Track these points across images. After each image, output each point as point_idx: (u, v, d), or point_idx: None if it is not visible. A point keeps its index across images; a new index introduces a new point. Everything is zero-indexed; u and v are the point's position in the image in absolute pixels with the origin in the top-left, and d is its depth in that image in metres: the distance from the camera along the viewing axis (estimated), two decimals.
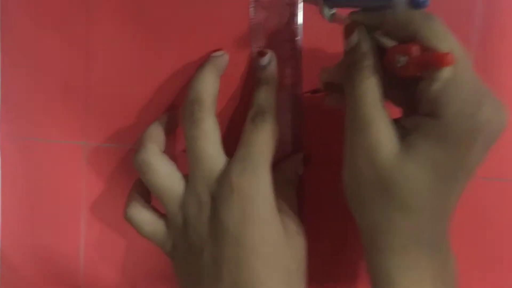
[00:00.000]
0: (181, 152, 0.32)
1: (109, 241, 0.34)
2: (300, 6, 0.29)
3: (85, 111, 0.33)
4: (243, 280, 0.25)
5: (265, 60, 0.29)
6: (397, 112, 0.26)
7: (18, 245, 0.35)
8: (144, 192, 0.29)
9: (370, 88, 0.23)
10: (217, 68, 0.29)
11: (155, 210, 0.29)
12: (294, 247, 0.27)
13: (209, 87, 0.27)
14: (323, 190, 0.31)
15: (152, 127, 0.29)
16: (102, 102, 0.32)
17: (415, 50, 0.22)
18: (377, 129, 0.23)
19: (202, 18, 0.30)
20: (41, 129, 0.33)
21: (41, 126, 0.33)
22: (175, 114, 0.31)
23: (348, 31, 0.25)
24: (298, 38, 0.30)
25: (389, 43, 0.24)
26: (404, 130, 0.24)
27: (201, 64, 0.29)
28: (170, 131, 0.31)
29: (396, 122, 0.24)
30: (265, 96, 0.28)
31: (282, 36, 0.30)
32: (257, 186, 0.25)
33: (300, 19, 0.29)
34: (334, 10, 0.26)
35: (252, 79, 0.30)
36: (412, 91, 0.24)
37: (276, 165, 0.28)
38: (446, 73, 0.22)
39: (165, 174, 0.27)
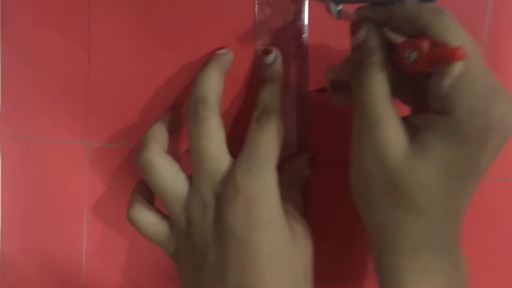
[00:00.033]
0: (184, 152, 0.32)
1: (112, 242, 0.34)
2: (306, 3, 0.29)
3: (87, 110, 0.33)
4: (248, 283, 0.24)
5: (270, 58, 0.28)
6: (404, 110, 0.25)
7: (18, 246, 0.35)
8: (147, 193, 0.29)
9: (379, 85, 0.23)
10: (222, 66, 0.28)
11: (158, 211, 0.29)
12: (301, 250, 0.26)
13: (213, 86, 0.27)
14: (329, 191, 0.31)
15: (155, 127, 0.29)
16: (104, 102, 0.32)
17: (425, 45, 0.22)
18: (386, 127, 0.23)
19: (206, 15, 0.30)
20: (42, 129, 0.34)
21: (42, 126, 0.34)
22: (178, 113, 0.31)
23: (355, 27, 0.25)
24: (304, 36, 0.29)
25: (397, 38, 0.24)
26: (413, 128, 0.23)
27: (205, 62, 0.29)
28: (174, 131, 0.31)
29: (405, 120, 0.24)
30: (270, 95, 0.28)
31: (288, 34, 0.30)
32: (262, 187, 0.25)
33: (306, 16, 0.29)
34: (340, 7, 0.26)
35: (257, 77, 0.30)
36: (421, 88, 0.24)
37: (281, 166, 0.28)
38: (457, 68, 0.21)
39: (169, 175, 0.27)
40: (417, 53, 0.22)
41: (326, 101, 0.28)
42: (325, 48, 0.30)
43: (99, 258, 0.34)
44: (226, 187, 0.25)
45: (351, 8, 0.25)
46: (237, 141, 0.27)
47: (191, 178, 0.27)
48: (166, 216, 0.28)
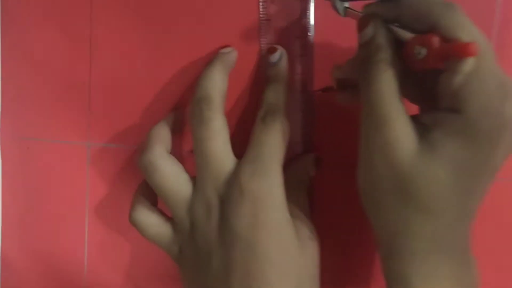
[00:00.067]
0: (188, 153, 0.31)
1: (114, 244, 0.34)
2: (312, 0, 0.29)
3: (89, 110, 0.33)
4: (254, 287, 0.24)
5: (275, 56, 0.28)
6: (412, 109, 0.25)
7: (19, 247, 0.35)
8: (150, 194, 0.29)
9: (387, 82, 0.23)
10: (226, 65, 0.28)
11: (161, 213, 0.28)
12: (307, 252, 0.26)
13: (217, 85, 0.27)
14: (335, 191, 0.31)
15: (158, 127, 0.29)
16: (106, 101, 0.32)
17: (435, 41, 0.21)
18: (395, 126, 0.22)
19: (210, 13, 0.30)
20: (43, 129, 0.33)
21: (43, 126, 0.33)
22: (182, 113, 0.31)
23: (362, 24, 0.24)
24: (310, 34, 0.29)
25: (406, 35, 0.24)
26: (423, 126, 0.23)
27: (209, 61, 0.28)
28: (177, 131, 0.30)
29: (414, 118, 0.23)
30: (275, 95, 0.27)
31: (293, 32, 0.29)
32: (268, 188, 0.25)
33: (311, 14, 0.29)
34: (347, 4, 0.26)
35: (261, 76, 0.30)
36: (430, 86, 0.24)
37: (287, 166, 0.28)
38: (469, 64, 0.21)
39: (172, 176, 0.27)
40: (426, 50, 0.22)
41: (332, 100, 0.28)
42: (331, 47, 0.29)
43: (101, 260, 0.34)
44: (231, 188, 0.25)
45: (357, 6, 0.25)
46: (241, 141, 0.27)
47: (194, 180, 0.27)
48: (169, 218, 0.28)
